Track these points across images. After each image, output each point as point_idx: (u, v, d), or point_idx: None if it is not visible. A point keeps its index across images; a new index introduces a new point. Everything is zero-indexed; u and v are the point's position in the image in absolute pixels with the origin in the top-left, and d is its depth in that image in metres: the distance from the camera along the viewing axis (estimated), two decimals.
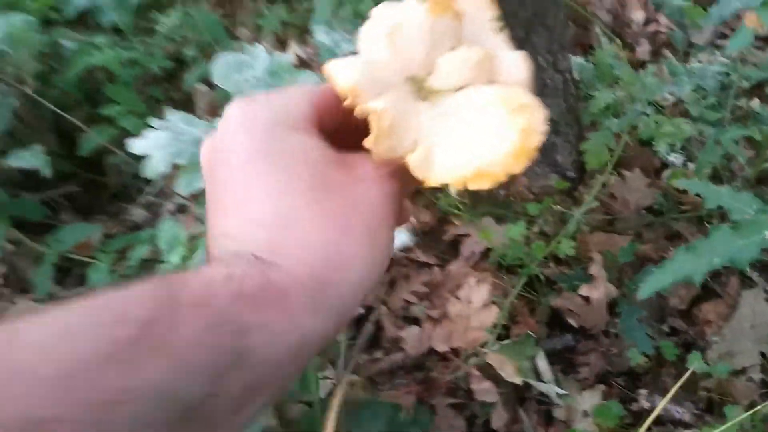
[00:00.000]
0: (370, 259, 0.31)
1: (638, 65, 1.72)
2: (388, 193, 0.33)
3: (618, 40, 1.67)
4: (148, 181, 1.84)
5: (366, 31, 0.36)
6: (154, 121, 0.93)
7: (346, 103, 0.32)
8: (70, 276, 1.64)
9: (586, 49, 1.75)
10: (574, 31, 1.78)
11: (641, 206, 1.33)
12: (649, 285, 0.82)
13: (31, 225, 1.64)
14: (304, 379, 0.92)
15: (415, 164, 0.32)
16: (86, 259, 1.54)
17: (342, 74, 0.33)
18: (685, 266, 0.80)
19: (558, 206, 1.14)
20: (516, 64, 0.36)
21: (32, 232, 1.61)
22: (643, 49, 1.82)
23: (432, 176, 0.32)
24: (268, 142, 0.31)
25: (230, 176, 0.32)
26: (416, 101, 0.34)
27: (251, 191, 0.31)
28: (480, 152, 0.31)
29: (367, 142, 0.32)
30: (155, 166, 1.03)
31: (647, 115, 1.34)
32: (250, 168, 0.31)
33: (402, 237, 0.97)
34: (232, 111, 0.33)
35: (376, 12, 0.35)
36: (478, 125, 0.33)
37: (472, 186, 0.31)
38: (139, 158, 1.64)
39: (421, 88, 0.35)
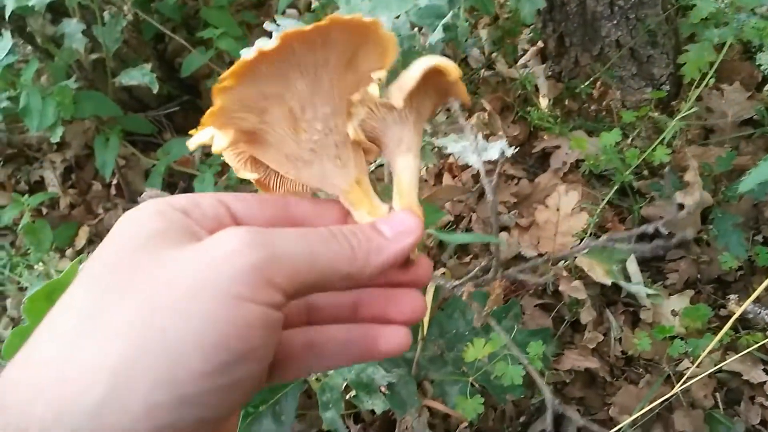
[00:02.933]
0: (194, 364, 0.28)
1: None
2: (248, 264, 0.30)
3: None
4: None
5: None
6: (268, 25, 0.98)
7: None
8: (176, 190, 1.76)
9: None
10: None
11: (740, 119, 1.30)
12: (751, 178, 0.83)
13: (138, 144, 1.78)
14: None
15: None
16: (192, 172, 1.65)
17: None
18: None
19: (655, 113, 1.13)
20: None
21: (139, 150, 1.73)
22: None
23: None
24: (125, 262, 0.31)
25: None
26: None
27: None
28: None
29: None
30: None
31: (752, 26, 1.29)
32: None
33: (500, 147, 1.00)
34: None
35: None
36: None
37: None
38: None
39: None
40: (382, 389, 0.89)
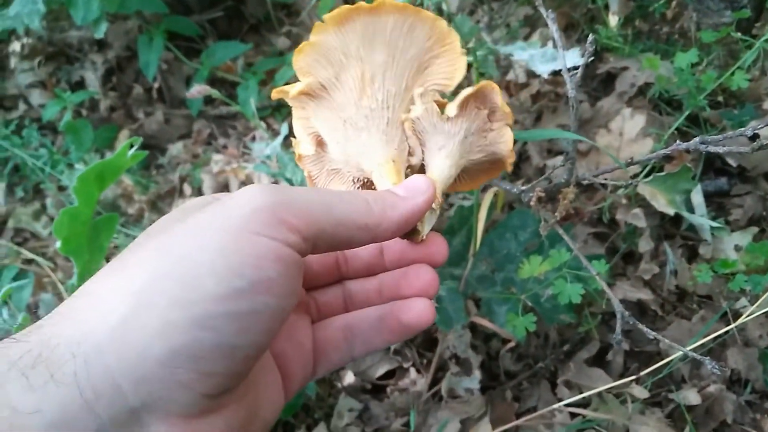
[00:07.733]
0: (207, 286, 0.31)
1: None
2: (255, 208, 0.33)
3: None
4: (289, 13, 1.86)
5: None
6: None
7: None
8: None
9: None
10: None
11: None
12: None
13: (181, 49, 1.72)
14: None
15: None
16: (235, 79, 1.60)
17: None
18: None
19: (738, 34, 1.04)
20: None
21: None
22: None
23: None
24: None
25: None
26: None
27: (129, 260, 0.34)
28: None
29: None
30: None
31: None
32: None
33: (579, 52, 0.92)
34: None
35: None
36: None
37: None
38: None
39: None
40: None
